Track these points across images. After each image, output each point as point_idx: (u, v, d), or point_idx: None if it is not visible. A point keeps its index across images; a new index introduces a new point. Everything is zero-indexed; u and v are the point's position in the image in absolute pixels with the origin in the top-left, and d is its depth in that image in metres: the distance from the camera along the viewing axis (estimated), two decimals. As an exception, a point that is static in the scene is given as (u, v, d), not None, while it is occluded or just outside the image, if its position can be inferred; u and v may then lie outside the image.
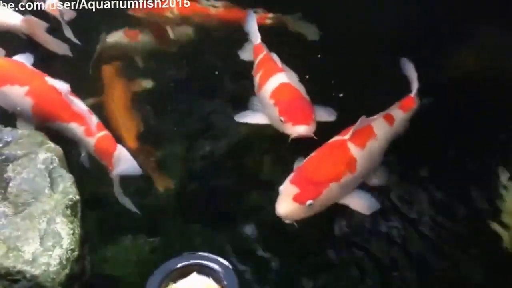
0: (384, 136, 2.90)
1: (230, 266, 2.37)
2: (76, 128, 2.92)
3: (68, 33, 3.47)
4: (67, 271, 2.25)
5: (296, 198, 2.52)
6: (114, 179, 2.82)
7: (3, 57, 3.25)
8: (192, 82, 3.54)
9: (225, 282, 2.38)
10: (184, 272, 2.45)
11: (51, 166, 2.52)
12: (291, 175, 2.66)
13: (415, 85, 3.12)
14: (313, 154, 2.75)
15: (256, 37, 3.38)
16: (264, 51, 3.30)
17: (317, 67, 3.40)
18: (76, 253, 2.30)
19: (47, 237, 2.30)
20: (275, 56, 3.22)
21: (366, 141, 2.79)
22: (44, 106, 2.97)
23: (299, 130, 2.79)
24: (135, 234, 2.74)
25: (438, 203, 2.90)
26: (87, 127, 2.90)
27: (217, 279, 2.40)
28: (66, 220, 2.36)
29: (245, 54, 3.43)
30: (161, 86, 3.52)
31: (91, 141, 2.89)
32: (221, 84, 3.51)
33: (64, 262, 2.25)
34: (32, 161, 2.53)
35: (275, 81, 3.06)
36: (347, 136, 2.79)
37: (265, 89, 3.05)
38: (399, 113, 3.02)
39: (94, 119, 2.94)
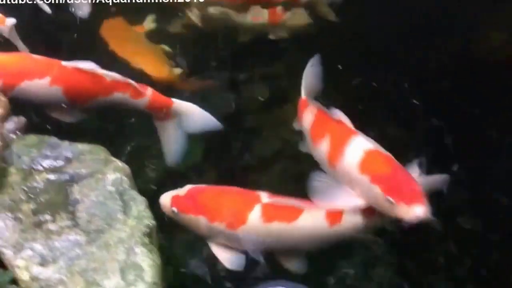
0: (311, 232, 2.35)
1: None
2: (120, 96, 2.80)
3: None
4: (152, 306, 2.08)
5: (173, 198, 2.44)
6: (166, 133, 2.83)
7: (4, 53, 2.80)
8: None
9: None
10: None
11: (121, 188, 2.33)
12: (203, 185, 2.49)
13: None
14: (235, 188, 2.46)
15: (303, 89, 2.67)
16: (315, 108, 2.60)
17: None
18: (160, 287, 2.12)
19: (128, 270, 2.11)
20: (337, 111, 2.58)
21: (273, 220, 2.33)
22: (76, 87, 2.75)
23: (417, 212, 2.12)
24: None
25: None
26: (131, 91, 2.80)
27: None
28: (145, 249, 2.17)
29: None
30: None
31: (144, 100, 2.82)
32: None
33: (148, 297, 2.08)
34: (100, 182, 2.33)
35: (357, 149, 2.35)
36: (268, 199, 2.37)
37: (346, 162, 2.34)
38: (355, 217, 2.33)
39: (132, 81, 2.84)
